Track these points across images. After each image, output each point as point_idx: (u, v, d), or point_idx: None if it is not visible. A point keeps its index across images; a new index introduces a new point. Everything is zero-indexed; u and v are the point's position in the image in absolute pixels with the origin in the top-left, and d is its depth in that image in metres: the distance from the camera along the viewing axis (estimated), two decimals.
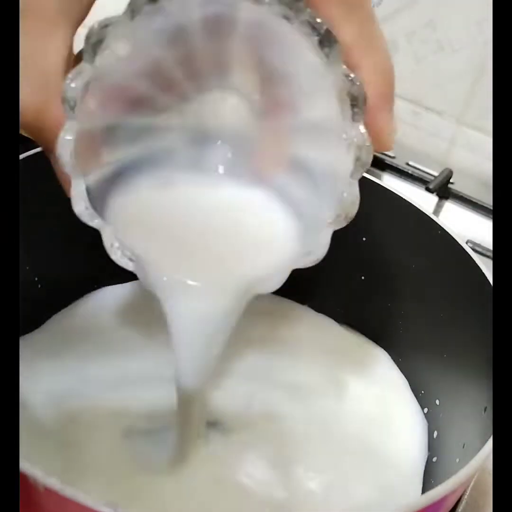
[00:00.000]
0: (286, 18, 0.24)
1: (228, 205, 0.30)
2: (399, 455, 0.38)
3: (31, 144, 0.44)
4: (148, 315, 0.41)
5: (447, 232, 0.38)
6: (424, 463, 0.38)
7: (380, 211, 0.42)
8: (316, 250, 0.28)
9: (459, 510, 0.36)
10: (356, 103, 0.25)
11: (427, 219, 0.39)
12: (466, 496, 0.37)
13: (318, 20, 0.24)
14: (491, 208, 0.64)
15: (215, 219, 0.30)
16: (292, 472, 0.35)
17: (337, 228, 0.28)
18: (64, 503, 0.22)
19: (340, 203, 0.27)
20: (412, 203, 0.40)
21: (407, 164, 0.68)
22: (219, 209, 0.30)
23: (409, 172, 0.67)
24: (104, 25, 0.24)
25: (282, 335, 0.44)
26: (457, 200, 0.66)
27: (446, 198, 0.66)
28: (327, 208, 0.27)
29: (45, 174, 0.38)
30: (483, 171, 0.68)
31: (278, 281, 0.29)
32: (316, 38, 0.24)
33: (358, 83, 0.24)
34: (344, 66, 0.24)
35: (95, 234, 0.27)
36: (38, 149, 0.37)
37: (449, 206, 0.66)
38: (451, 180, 0.67)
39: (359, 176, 0.26)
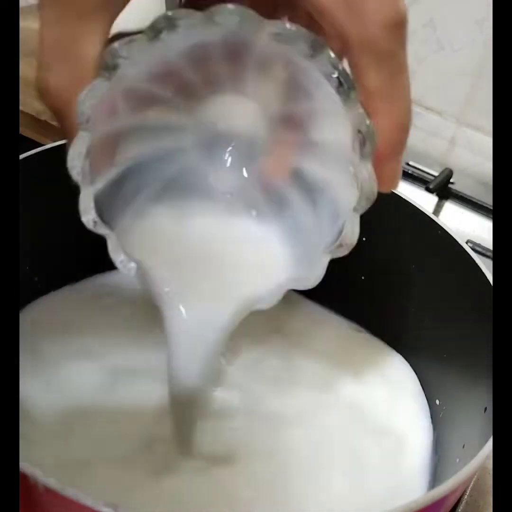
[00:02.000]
0: (306, 56, 0.24)
1: (232, 235, 0.33)
2: (406, 454, 0.38)
3: (31, 144, 0.44)
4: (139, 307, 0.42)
5: (447, 232, 0.38)
6: (430, 462, 0.38)
7: (380, 211, 0.41)
8: (310, 276, 0.30)
9: (459, 510, 0.36)
10: (365, 145, 0.25)
11: (427, 219, 0.39)
12: (466, 496, 0.37)
13: (339, 65, 0.24)
14: (491, 208, 0.64)
15: (219, 246, 0.33)
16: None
17: (334, 257, 0.29)
18: (64, 503, 0.22)
19: (339, 234, 0.28)
20: (412, 203, 0.40)
21: (407, 164, 0.68)
22: (224, 238, 0.33)
23: (409, 172, 0.67)
24: (124, 44, 0.24)
25: (284, 329, 0.44)
26: (457, 200, 0.66)
27: (446, 198, 0.66)
28: (327, 236, 0.29)
29: (45, 174, 0.38)
30: (483, 171, 0.68)
31: (273, 300, 0.31)
32: (335, 79, 0.24)
33: (371, 129, 0.25)
34: (361, 110, 0.25)
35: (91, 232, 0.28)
36: (39, 149, 0.37)
37: (449, 206, 0.66)
38: (451, 180, 0.67)
39: (361, 211, 0.27)
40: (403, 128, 0.26)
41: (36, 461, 0.23)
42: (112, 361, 0.39)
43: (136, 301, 0.42)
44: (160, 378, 0.36)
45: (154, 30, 0.24)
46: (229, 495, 0.33)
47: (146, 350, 0.39)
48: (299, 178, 0.31)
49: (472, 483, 0.37)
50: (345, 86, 0.24)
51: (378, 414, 0.39)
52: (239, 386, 0.39)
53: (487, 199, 0.65)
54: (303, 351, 0.42)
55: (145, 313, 0.41)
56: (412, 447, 0.38)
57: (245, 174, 0.32)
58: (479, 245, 0.58)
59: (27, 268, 0.39)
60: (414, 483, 0.36)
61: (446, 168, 0.67)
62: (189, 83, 0.28)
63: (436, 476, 0.36)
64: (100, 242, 0.43)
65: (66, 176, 0.40)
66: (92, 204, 0.28)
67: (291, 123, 0.29)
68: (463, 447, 0.33)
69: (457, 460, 0.34)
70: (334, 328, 0.45)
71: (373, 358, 0.43)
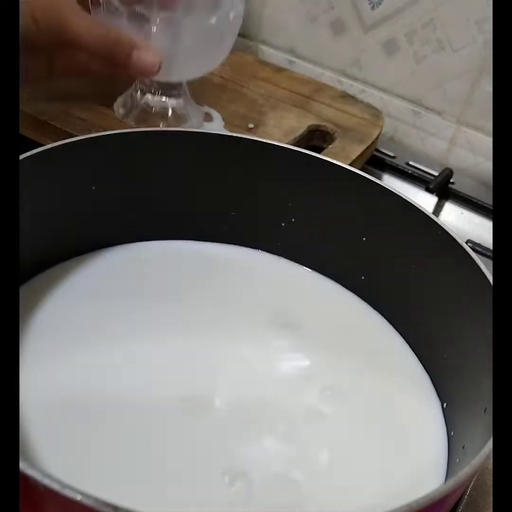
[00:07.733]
0: None
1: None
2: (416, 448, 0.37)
3: (31, 144, 0.44)
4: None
5: (447, 232, 0.38)
6: (445, 457, 0.37)
7: (380, 211, 0.42)
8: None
9: (459, 510, 0.36)
10: None
11: (427, 219, 0.39)
12: (466, 496, 0.37)
13: None
14: (491, 208, 0.64)
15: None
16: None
17: None
18: (64, 503, 0.22)
19: None
20: (412, 203, 0.40)
21: (407, 164, 0.68)
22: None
23: (409, 172, 0.67)
24: None
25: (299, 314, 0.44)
26: (457, 200, 0.66)
27: (446, 198, 0.66)
28: None
29: (45, 174, 0.38)
30: (483, 171, 0.68)
31: None
32: None
33: None
34: None
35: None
36: (39, 149, 0.37)
37: (449, 206, 0.66)
38: (451, 180, 0.67)
39: None
40: None
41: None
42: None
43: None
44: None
45: None
46: None
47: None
48: None
49: (472, 483, 0.37)
50: None
51: (386, 410, 0.39)
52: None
53: (487, 199, 0.64)
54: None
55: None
56: (424, 442, 0.37)
57: None
58: (479, 245, 0.58)
59: (27, 268, 0.39)
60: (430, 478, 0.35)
61: (446, 168, 0.67)
62: None
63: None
64: (96, 238, 0.43)
65: (65, 176, 0.40)
66: None
67: None
68: (463, 447, 0.33)
69: (457, 460, 0.34)
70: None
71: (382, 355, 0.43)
